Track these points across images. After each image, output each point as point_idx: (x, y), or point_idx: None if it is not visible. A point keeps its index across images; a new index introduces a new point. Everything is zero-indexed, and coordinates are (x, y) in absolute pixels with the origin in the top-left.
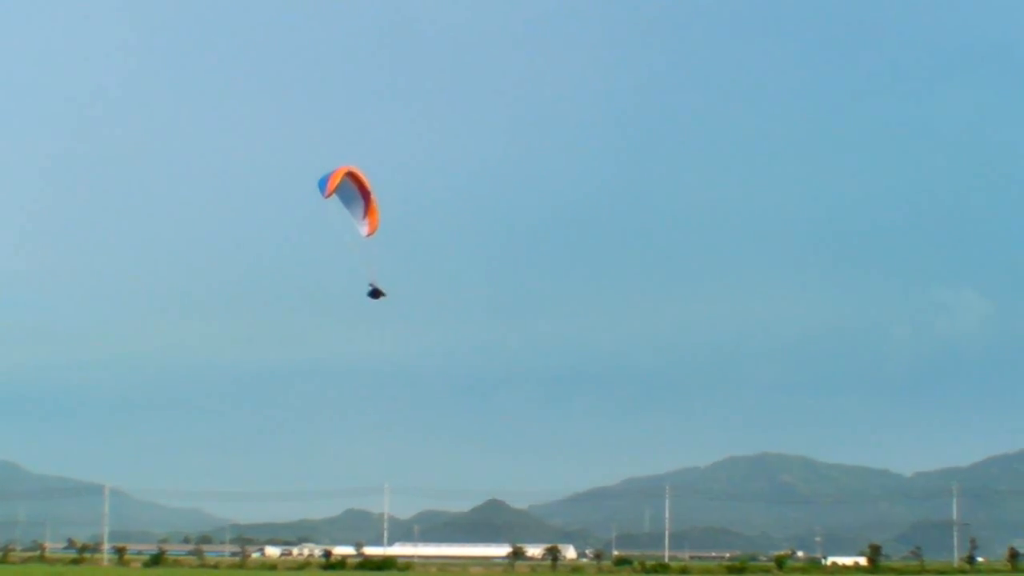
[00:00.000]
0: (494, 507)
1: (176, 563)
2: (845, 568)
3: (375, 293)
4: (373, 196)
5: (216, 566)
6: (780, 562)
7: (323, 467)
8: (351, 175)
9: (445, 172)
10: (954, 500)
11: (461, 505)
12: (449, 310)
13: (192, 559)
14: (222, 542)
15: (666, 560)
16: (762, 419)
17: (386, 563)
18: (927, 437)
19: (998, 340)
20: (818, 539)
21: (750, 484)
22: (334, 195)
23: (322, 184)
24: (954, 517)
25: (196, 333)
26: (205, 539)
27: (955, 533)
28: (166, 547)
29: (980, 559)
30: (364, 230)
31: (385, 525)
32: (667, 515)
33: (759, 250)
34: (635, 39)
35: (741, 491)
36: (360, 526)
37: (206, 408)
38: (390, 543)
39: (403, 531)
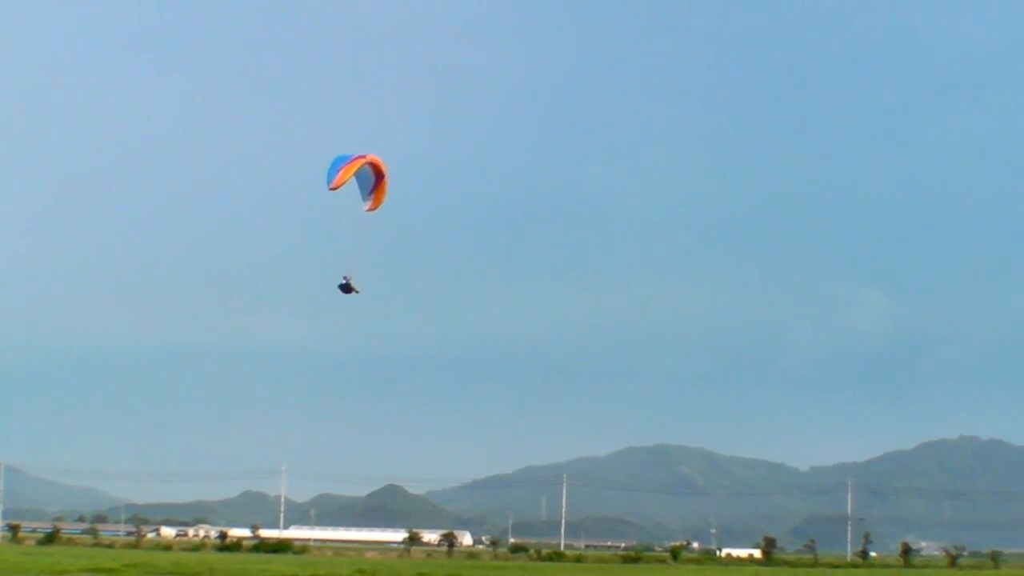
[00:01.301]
0: (391, 492)
1: (71, 541)
2: (739, 560)
3: (346, 288)
4: (387, 178)
5: (111, 545)
6: (675, 553)
7: (220, 449)
8: (370, 164)
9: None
10: (848, 495)
11: (358, 490)
12: (350, 295)
13: (87, 538)
14: (117, 521)
15: (562, 549)
16: (662, 411)
17: (282, 546)
18: (824, 432)
19: (896, 339)
20: (713, 531)
21: (648, 475)
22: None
23: (333, 172)
24: (848, 512)
25: (94, 312)
26: (100, 518)
27: (849, 528)
28: (61, 525)
29: (873, 554)
30: (367, 205)
31: (281, 508)
32: (564, 504)
33: (664, 243)
34: (536, 33)
35: (639, 482)
36: (256, 508)
37: (103, 387)
38: (286, 526)
39: (299, 514)
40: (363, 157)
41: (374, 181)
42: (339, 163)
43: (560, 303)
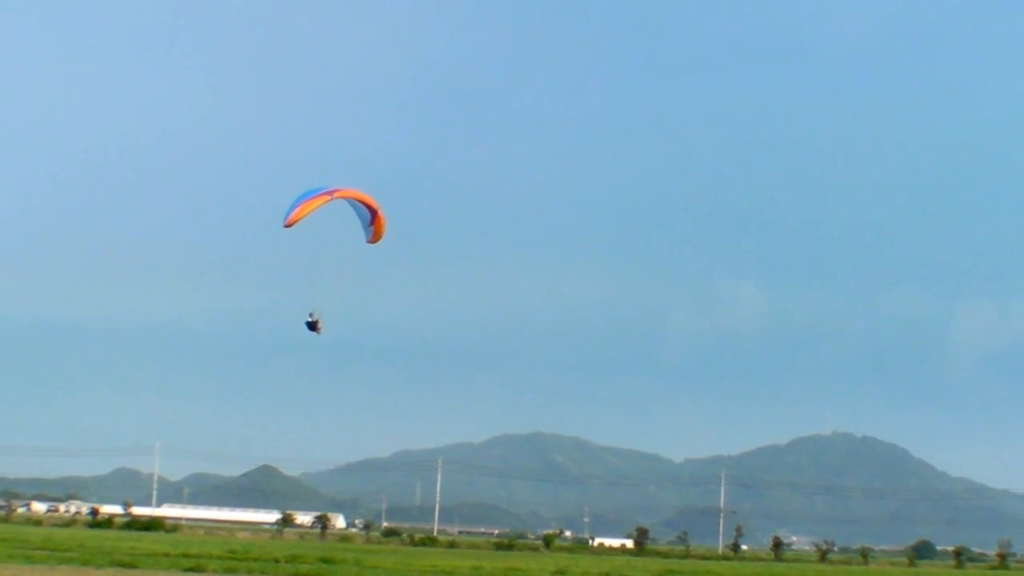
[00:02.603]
0: (266, 473)
1: None
2: (612, 549)
3: (312, 326)
4: (380, 213)
5: None
6: (548, 541)
7: (94, 425)
8: (348, 196)
9: (225, 133)
10: (722, 488)
11: (232, 469)
12: (225, 272)
13: None
14: None
15: (435, 534)
16: (537, 399)
17: (153, 524)
18: (699, 425)
19: (772, 334)
20: (586, 520)
21: (522, 462)
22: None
23: (291, 208)
24: (721, 504)
25: None
26: None
27: (721, 520)
28: None
29: (744, 547)
30: (368, 237)
31: (154, 485)
32: (438, 489)
33: (543, 231)
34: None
35: (513, 469)
36: (129, 485)
37: None
38: (159, 504)
39: (172, 492)
40: (329, 194)
41: (369, 216)
42: (301, 199)
43: (438, 287)
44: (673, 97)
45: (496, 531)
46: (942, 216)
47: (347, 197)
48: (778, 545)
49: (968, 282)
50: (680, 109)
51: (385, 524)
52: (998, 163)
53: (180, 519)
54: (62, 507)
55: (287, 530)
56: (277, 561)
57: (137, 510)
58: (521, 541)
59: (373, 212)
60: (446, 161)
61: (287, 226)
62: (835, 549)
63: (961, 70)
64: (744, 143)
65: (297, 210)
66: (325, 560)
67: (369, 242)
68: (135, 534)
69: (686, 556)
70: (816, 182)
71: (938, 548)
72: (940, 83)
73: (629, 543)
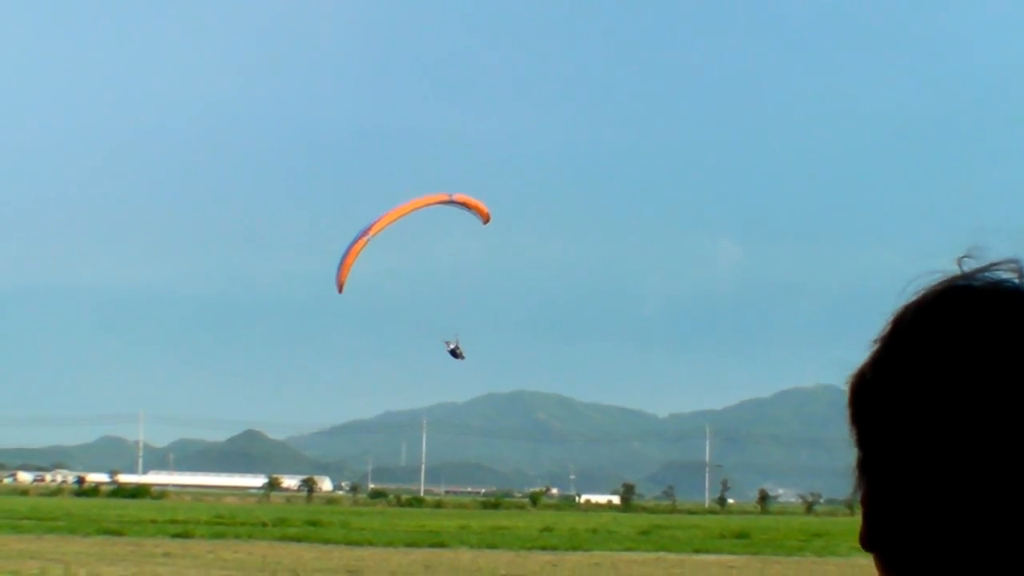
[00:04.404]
0: (251, 437)
1: None
2: (598, 506)
3: (455, 353)
4: (469, 199)
5: None
6: (534, 499)
7: (78, 393)
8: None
9: (196, 97)
10: (707, 442)
11: (217, 435)
12: (205, 235)
13: None
14: None
15: (422, 494)
16: (519, 357)
17: (140, 491)
18: (683, 380)
19: (752, 288)
20: (572, 477)
21: (506, 421)
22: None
23: (337, 271)
24: (706, 458)
25: None
26: None
27: (707, 474)
28: None
29: (731, 500)
30: (481, 221)
31: (140, 453)
32: (423, 449)
33: (518, 190)
34: None
35: (497, 428)
36: (115, 453)
37: None
38: (145, 471)
39: (158, 459)
40: (365, 235)
41: (468, 208)
42: (342, 258)
43: (418, 246)
44: (644, 53)
45: (482, 490)
46: (922, 170)
47: (388, 223)
48: (764, 498)
49: (946, 237)
50: (652, 65)
51: (371, 486)
52: (983, 117)
53: (167, 485)
54: (48, 476)
55: (273, 494)
56: (264, 525)
57: (123, 478)
58: (508, 500)
59: (465, 202)
60: (422, 123)
61: (340, 292)
62: (821, 501)
63: (947, 18)
64: (718, 97)
65: (342, 273)
66: (312, 523)
67: (485, 223)
68: (122, 502)
69: (673, 511)
70: (791, 137)
71: None
72: (922, 33)
73: (615, 499)
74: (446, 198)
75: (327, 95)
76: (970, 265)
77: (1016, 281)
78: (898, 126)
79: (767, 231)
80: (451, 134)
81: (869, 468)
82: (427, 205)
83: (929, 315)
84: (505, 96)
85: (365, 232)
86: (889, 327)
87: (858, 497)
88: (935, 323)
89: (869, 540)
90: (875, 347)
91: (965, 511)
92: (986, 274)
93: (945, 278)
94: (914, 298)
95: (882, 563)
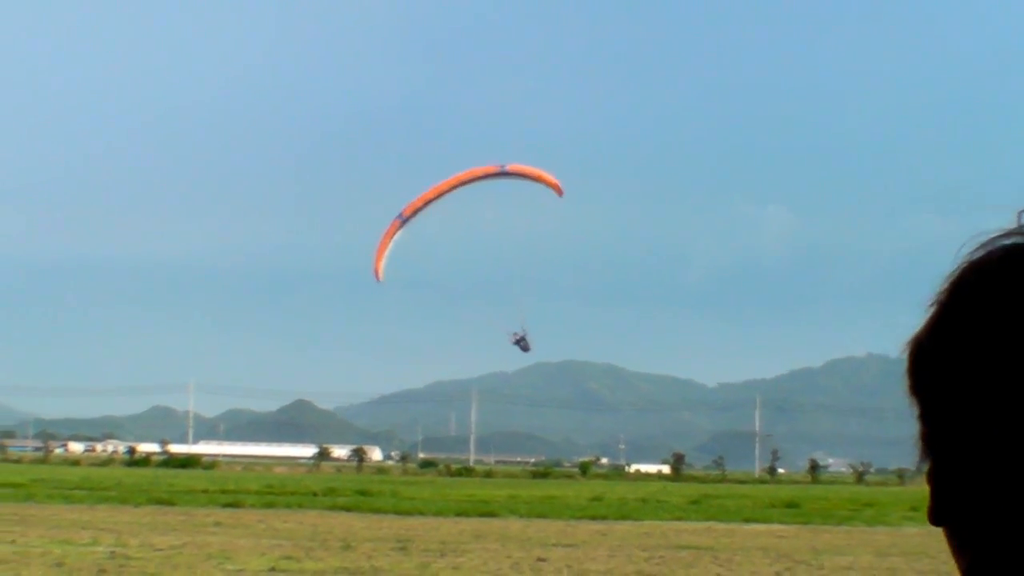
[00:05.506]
0: (301, 407)
1: None
2: (648, 476)
3: (521, 345)
4: (527, 168)
5: (19, 460)
6: (584, 468)
7: (128, 363)
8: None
9: (246, 69)
10: (756, 411)
11: (267, 405)
12: (255, 205)
13: None
14: (25, 437)
15: (471, 464)
16: (568, 327)
17: (190, 461)
18: (732, 349)
19: (802, 256)
20: (622, 446)
21: (556, 391)
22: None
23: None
24: (756, 428)
25: None
26: (8, 433)
27: (756, 444)
28: None
29: (781, 470)
30: (555, 192)
31: (190, 423)
32: (473, 419)
33: (567, 160)
34: None
35: (547, 397)
36: (165, 423)
37: (5, 302)
38: (195, 441)
39: (208, 429)
40: (400, 218)
41: (531, 177)
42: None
43: (468, 217)
44: (690, 22)
45: (532, 460)
46: (972, 133)
47: (430, 200)
48: (815, 467)
49: (997, 200)
50: (703, 34)
51: (421, 455)
52: None
53: (217, 455)
54: (99, 446)
55: (323, 464)
56: (315, 495)
57: (174, 448)
58: (557, 469)
59: (528, 172)
60: (462, 98)
61: (378, 279)
62: (871, 470)
63: None
64: (764, 62)
65: (378, 263)
66: (362, 492)
67: (560, 195)
68: (172, 471)
69: (723, 480)
70: (839, 102)
71: None
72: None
73: (665, 469)
74: (496, 169)
75: (378, 66)
76: None
77: None
78: (949, 89)
79: (817, 197)
80: (496, 107)
81: (934, 441)
82: (474, 179)
83: (994, 276)
84: (551, 66)
85: (401, 215)
86: (947, 290)
87: (923, 470)
88: (1001, 284)
89: (937, 515)
90: (932, 312)
91: None
92: None
93: (1003, 233)
94: (973, 257)
95: (953, 538)
